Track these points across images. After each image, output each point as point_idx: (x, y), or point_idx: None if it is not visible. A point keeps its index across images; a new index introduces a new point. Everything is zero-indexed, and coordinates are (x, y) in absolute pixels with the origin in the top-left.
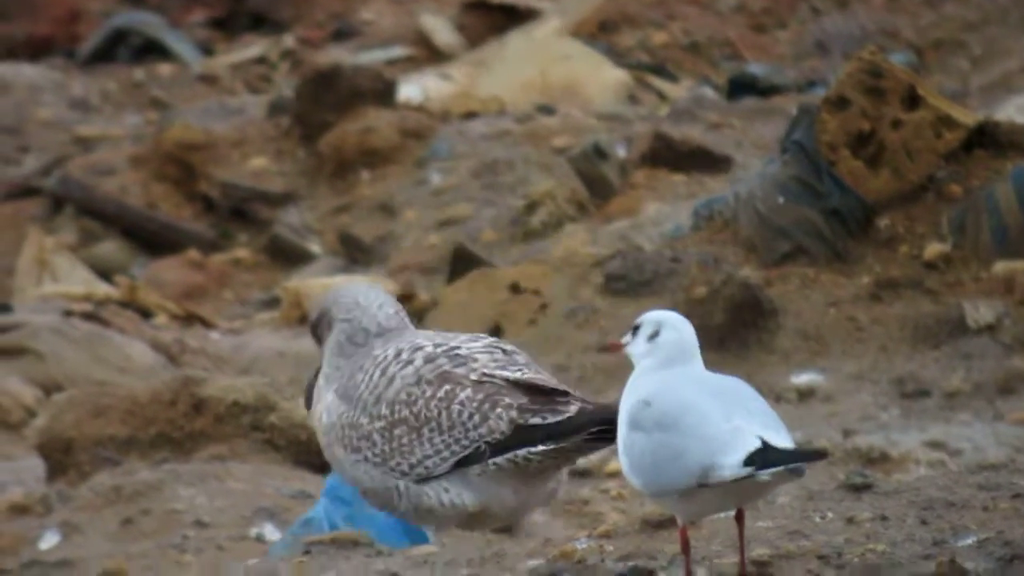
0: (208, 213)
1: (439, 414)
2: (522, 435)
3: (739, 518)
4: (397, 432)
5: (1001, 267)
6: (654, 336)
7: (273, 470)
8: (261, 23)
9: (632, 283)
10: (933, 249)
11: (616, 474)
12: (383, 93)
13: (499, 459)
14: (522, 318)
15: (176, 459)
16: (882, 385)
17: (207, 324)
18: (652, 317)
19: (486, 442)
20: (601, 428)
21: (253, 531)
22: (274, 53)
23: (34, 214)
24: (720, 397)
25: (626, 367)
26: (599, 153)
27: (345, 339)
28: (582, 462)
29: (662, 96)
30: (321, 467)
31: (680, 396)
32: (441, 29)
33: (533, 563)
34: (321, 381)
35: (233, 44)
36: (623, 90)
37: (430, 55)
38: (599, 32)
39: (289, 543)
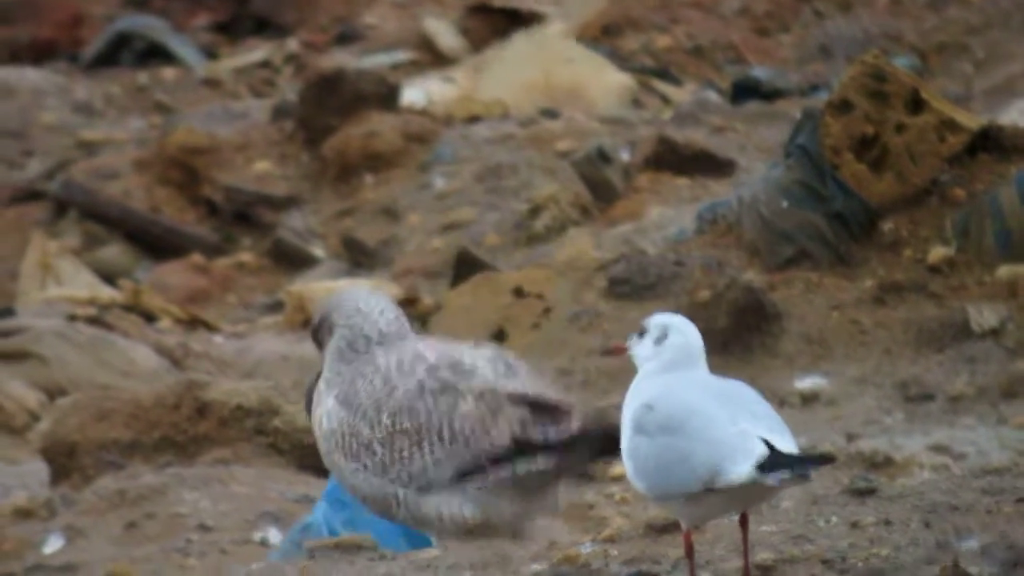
0: (212, 217)
1: (440, 425)
2: (523, 449)
3: (743, 522)
4: (398, 442)
5: (1005, 271)
6: (661, 339)
7: (277, 474)
8: (265, 27)
9: (636, 287)
10: (937, 253)
11: (620, 478)
12: (386, 97)
13: (499, 472)
14: (526, 322)
15: (180, 463)
16: (886, 389)
17: (211, 328)
18: (659, 320)
19: (487, 455)
20: (603, 444)
21: (257, 535)
22: (278, 57)
23: (38, 218)
24: (724, 401)
25: (630, 371)
26: (603, 157)
27: (346, 345)
28: None
29: (666, 100)
30: (325, 471)
31: (684, 400)
32: (444, 33)
33: (537, 567)
34: (322, 386)
35: (237, 48)
36: (627, 94)
37: (433, 59)
38: (602, 36)
39: (289, 548)
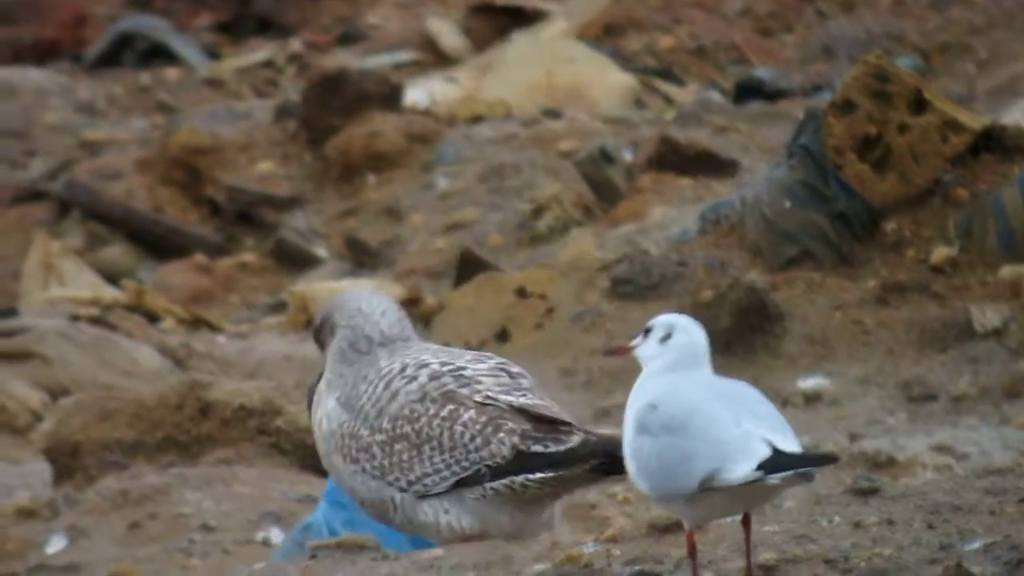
0: (214, 217)
1: (441, 433)
2: (523, 461)
3: (746, 522)
4: (397, 447)
5: (1008, 271)
6: (666, 339)
7: (279, 474)
8: (267, 27)
9: (639, 287)
10: (940, 253)
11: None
12: (389, 97)
13: (497, 483)
14: (529, 322)
15: (183, 463)
16: (888, 389)
17: (214, 328)
18: (664, 320)
19: (486, 465)
20: (602, 461)
21: (259, 535)
22: (280, 57)
23: (41, 218)
24: (727, 400)
25: (633, 371)
26: (605, 157)
27: (348, 346)
28: None
29: (668, 100)
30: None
31: (687, 399)
32: (447, 33)
33: (540, 567)
34: (323, 386)
35: (239, 48)
36: (629, 94)
37: (436, 59)
38: (605, 36)
39: (290, 548)
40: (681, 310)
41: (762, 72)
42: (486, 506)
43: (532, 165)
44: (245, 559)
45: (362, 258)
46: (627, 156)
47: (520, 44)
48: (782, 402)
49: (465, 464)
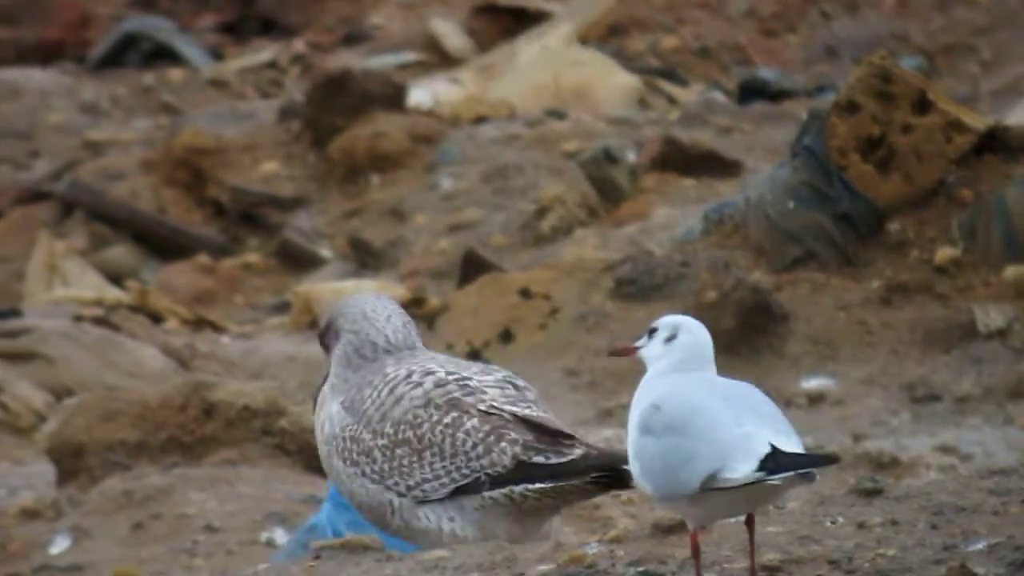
0: (218, 218)
1: (443, 440)
2: (524, 471)
3: (749, 523)
4: (399, 452)
5: (1011, 271)
6: (670, 340)
7: (283, 475)
8: (271, 28)
9: (642, 287)
10: (943, 253)
11: None
12: (393, 98)
13: (496, 492)
14: (532, 323)
15: (186, 464)
16: (892, 390)
17: (217, 329)
18: (669, 321)
19: (487, 473)
20: (603, 474)
21: (263, 536)
22: (284, 58)
23: (44, 219)
24: (731, 401)
25: (637, 371)
26: (609, 157)
27: (352, 351)
28: None
29: (672, 100)
30: None
31: (690, 400)
32: (451, 33)
33: (544, 568)
34: (327, 390)
35: (243, 49)
36: (633, 94)
37: (440, 59)
38: (609, 36)
39: (294, 549)
40: (685, 311)
41: (766, 73)
42: (484, 515)
43: (536, 166)
44: (249, 560)
45: (366, 258)
46: (631, 157)
47: (524, 45)
48: (786, 403)
49: (465, 471)
